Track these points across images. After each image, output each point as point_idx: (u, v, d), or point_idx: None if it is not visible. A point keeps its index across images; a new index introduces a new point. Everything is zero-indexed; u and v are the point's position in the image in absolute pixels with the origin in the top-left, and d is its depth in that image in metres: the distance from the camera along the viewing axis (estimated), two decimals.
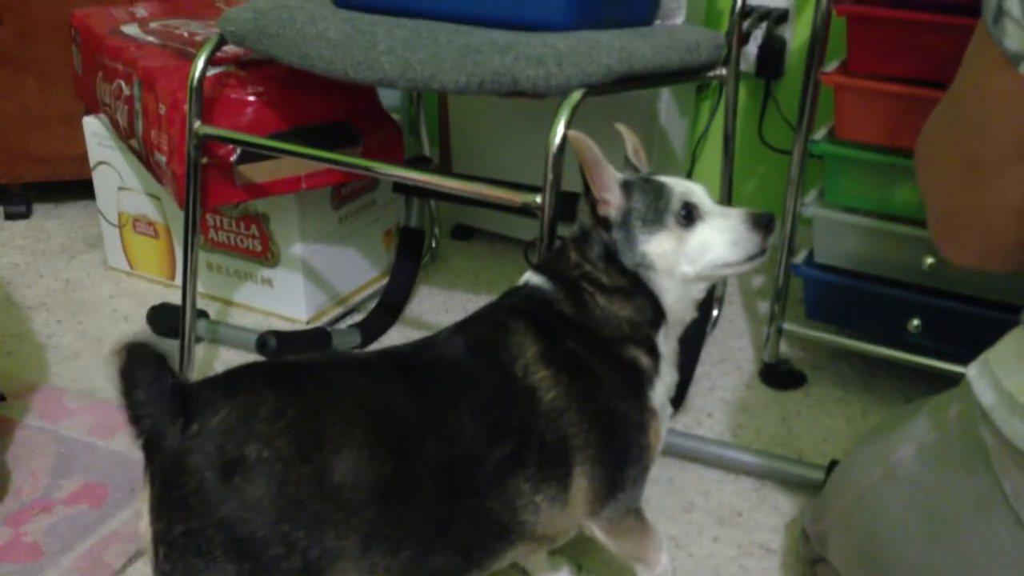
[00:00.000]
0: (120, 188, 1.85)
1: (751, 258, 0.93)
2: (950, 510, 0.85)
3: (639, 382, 0.95)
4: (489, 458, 0.87)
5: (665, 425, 0.99)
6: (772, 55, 1.87)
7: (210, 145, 1.40)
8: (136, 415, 0.79)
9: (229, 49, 1.39)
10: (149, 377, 0.79)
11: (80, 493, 1.27)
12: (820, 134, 1.45)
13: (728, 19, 1.49)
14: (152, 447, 0.80)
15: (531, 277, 0.98)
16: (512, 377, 0.90)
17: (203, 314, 1.67)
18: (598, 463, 0.91)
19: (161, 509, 0.79)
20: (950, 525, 0.85)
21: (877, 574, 0.95)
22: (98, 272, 1.94)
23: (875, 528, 0.95)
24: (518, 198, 1.17)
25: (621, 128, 1.05)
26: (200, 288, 1.81)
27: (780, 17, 1.86)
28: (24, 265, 1.96)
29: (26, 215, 2.19)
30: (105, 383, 1.55)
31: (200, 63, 1.33)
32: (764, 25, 1.87)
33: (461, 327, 0.96)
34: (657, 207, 0.93)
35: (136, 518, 0.83)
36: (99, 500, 1.25)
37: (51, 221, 2.18)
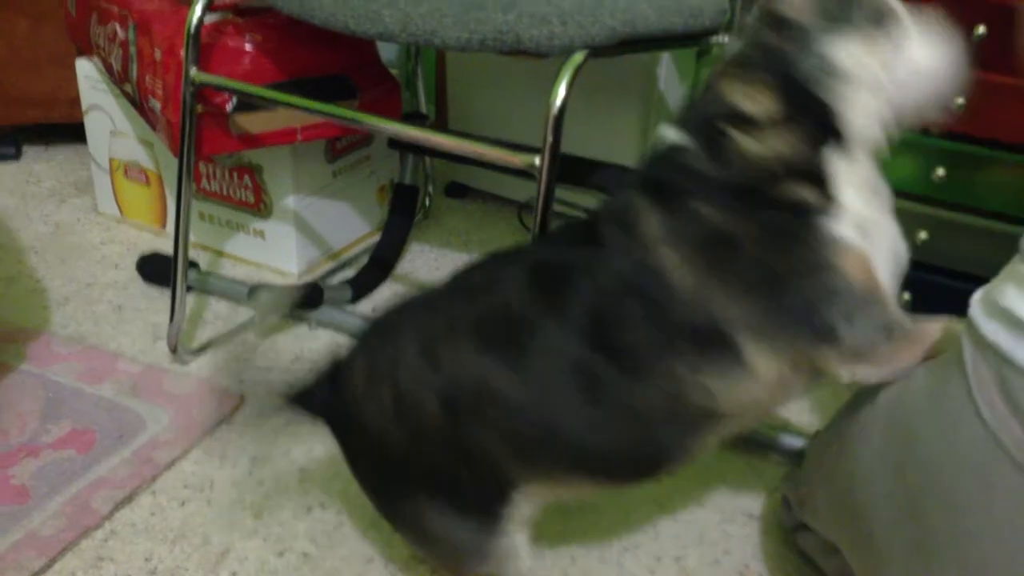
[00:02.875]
0: (112, 133, 1.83)
1: (951, 96, 0.84)
2: (922, 423, 0.84)
3: (804, 220, 0.82)
4: (626, 355, 0.81)
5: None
6: None
7: (206, 93, 1.39)
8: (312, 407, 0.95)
9: None
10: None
11: (68, 438, 1.27)
12: None
13: None
14: (329, 422, 0.94)
15: (666, 132, 0.87)
16: (636, 260, 0.82)
17: (194, 264, 1.67)
18: (773, 325, 0.81)
19: (355, 461, 0.93)
20: (921, 438, 0.84)
21: (861, 524, 0.95)
22: (88, 217, 1.93)
23: (856, 471, 0.95)
24: (517, 159, 1.16)
25: None
26: (192, 238, 1.80)
27: None
28: (13, 208, 1.95)
29: (15, 157, 2.16)
30: (95, 328, 1.54)
31: (197, 9, 1.30)
32: None
33: (594, 211, 0.90)
34: (856, 8, 0.82)
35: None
36: (86, 446, 1.26)
37: (41, 164, 2.16)
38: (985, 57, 1.27)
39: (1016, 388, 0.73)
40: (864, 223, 0.85)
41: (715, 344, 0.81)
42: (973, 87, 1.27)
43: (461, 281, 0.93)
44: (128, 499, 1.18)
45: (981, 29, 1.24)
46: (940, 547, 0.81)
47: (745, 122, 0.83)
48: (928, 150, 1.34)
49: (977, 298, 0.82)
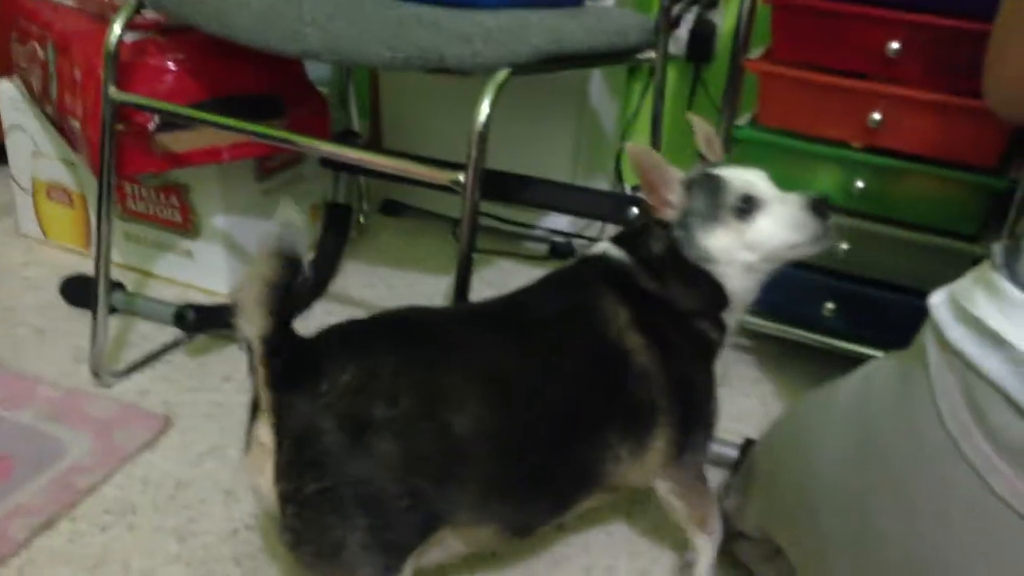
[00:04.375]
0: (34, 154, 1.79)
1: (815, 239, 0.97)
2: (884, 424, 0.86)
3: (710, 353, 1.03)
4: (588, 410, 0.94)
5: None
6: (702, 40, 1.89)
7: (127, 112, 1.36)
8: (272, 379, 0.81)
9: (152, 15, 1.35)
10: (285, 340, 0.81)
11: None
12: (744, 119, 1.47)
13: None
14: (282, 409, 0.82)
15: (611, 249, 1.03)
16: (607, 339, 0.96)
17: (119, 286, 1.63)
18: (676, 425, 0.98)
19: (292, 469, 0.82)
20: (879, 435, 0.86)
21: (806, 513, 0.96)
22: (9, 239, 1.88)
23: (809, 465, 0.96)
24: (442, 176, 1.16)
25: (693, 119, 1.08)
26: (117, 259, 1.77)
27: (710, 2, 1.88)
28: None
29: None
30: (15, 353, 1.50)
31: (116, 28, 1.28)
32: (695, 10, 1.88)
33: (547, 287, 1.03)
34: (715, 203, 0.97)
35: (253, 474, 0.85)
36: (4, 473, 1.22)
37: None
38: (900, 73, 1.30)
39: (981, 397, 0.74)
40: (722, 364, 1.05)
41: (641, 423, 0.97)
42: (889, 102, 1.31)
43: (443, 317, 1.00)
44: (46, 525, 1.15)
45: (895, 45, 1.28)
46: (887, 544, 0.82)
47: (668, 269, 1.00)
48: (848, 163, 1.38)
49: (940, 300, 0.82)
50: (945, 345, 0.78)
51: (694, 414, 1.01)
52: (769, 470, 1.06)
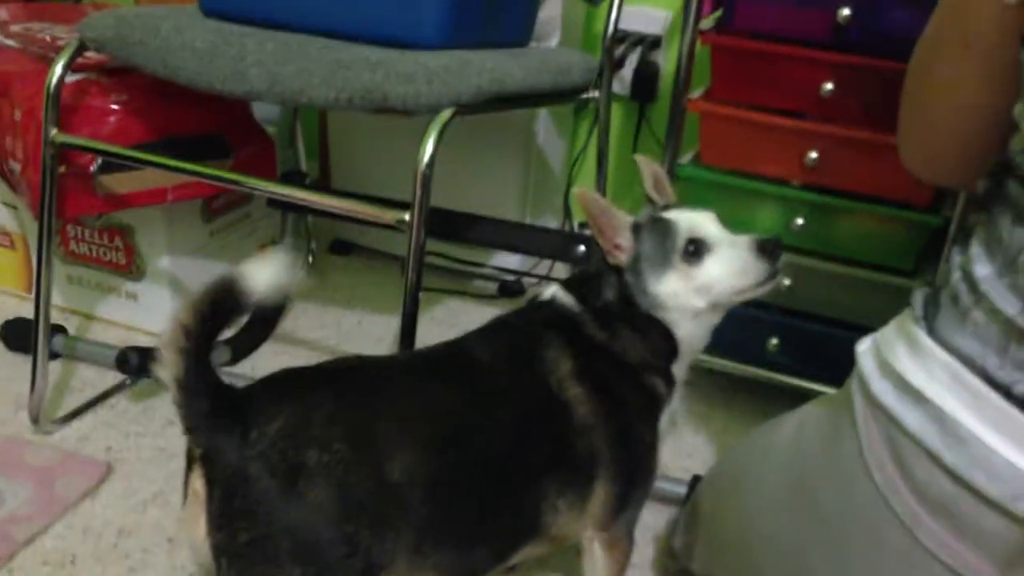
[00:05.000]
0: None
1: (764, 281, 0.96)
2: (816, 473, 0.87)
3: (655, 407, 1.00)
4: (527, 459, 0.91)
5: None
6: (646, 80, 1.93)
7: (69, 154, 1.35)
8: (194, 425, 0.79)
9: (96, 56, 1.34)
10: (206, 385, 0.79)
11: None
12: (687, 158, 1.50)
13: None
14: (211, 456, 0.80)
15: (560, 294, 1.01)
16: (548, 388, 0.94)
17: (61, 329, 1.60)
18: (615, 479, 0.96)
19: (224, 519, 0.79)
20: (813, 486, 0.87)
21: (746, 555, 0.97)
22: None
23: (748, 509, 0.98)
24: (388, 216, 1.16)
25: (640, 160, 1.07)
26: (60, 302, 1.74)
27: (653, 43, 1.92)
28: None
29: None
30: None
31: (58, 69, 1.28)
32: (639, 50, 1.92)
33: (492, 334, 1.00)
34: (664, 247, 0.96)
35: (189, 526, 0.82)
36: None
37: None
38: (834, 112, 1.34)
39: (906, 453, 0.75)
40: (671, 417, 1.02)
41: (582, 475, 0.94)
42: (824, 141, 1.34)
43: (382, 365, 0.97)
44: None
45: (829, 86, 1.32)
46: None
47: (618, 318, 0.98)
48: (788, 201, 1.40)
49: (865, 348, 0.83)
50: (870, 398, 0.79)
51: (635, 470, 0.98)
52: (711, 512, 1.07)
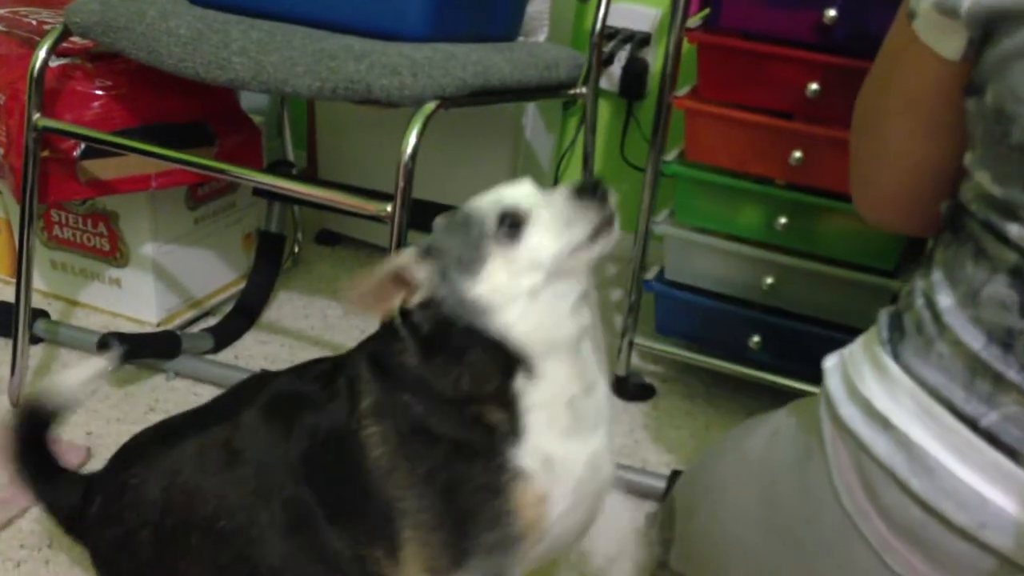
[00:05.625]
0: None
1: (597, 231, 0.81)
2: (787, 492, 0.87)
3: (488, 442, 0.84)
4: (323, 504, 0.87)
5: (576, 478, 0.87)
6: (634, 77, 1.93)
7: (52, 139, 1.35)
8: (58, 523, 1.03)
9: (81, 41, 1.34)
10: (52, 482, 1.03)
11: None
12: (672, 155, 1.50)
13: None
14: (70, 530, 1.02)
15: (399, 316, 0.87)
16: (346, 428, 0.85)
17: (42, 314, 1.60)
18: (434, 528, 0.84)
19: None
20: (783, 504, 0.87)
21: (717, 560, 0.98)
22: None
23: (719, 512, 0.98)
24: (370, 207, 1.17)
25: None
26: (43, 287, 1.74)
27: (643, 40, 1.92)
28: None
29: None
30: None
31: (41, 53, 1.27)
32: (628, 47, 1.92)
33: (310, 367, 0.96)
34: (471, 241, 0.82)
35: None
36: None
37: None
38: (820, 113, 1.34)
39: (873, 477, 0.76)
40: (550, 455, 0.85)
41: (383, 526, 0.85)
42: (809, 141, 1.35)
43: (206, 408, 1.01)
44: None
45: (814, 86, 1.32)
46: None
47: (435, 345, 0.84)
48: (771, 200, 1.41)
49: (832, 365, 0.84)
50: (838, 422, 0.80)
51: (464, 516, 0.84)
52: (686, 514, 1.07)
